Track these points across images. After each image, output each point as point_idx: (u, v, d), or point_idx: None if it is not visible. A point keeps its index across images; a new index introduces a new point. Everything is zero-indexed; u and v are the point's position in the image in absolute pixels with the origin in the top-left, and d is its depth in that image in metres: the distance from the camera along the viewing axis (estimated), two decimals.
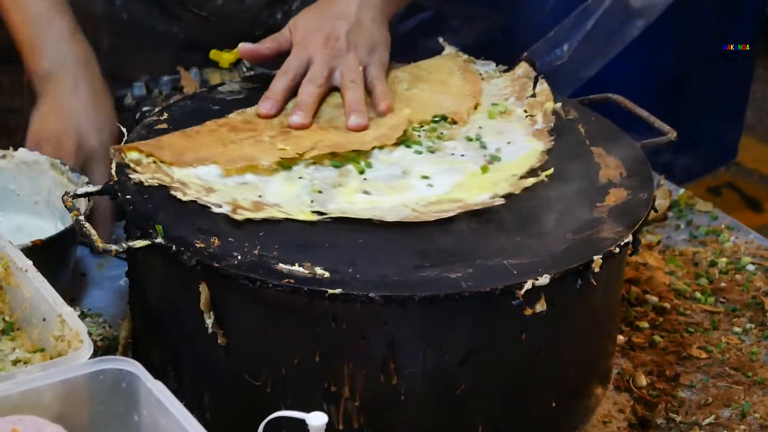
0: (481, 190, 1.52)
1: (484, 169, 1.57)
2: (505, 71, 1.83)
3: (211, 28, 2.06)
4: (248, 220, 1.43)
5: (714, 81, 3.04)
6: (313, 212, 1.46)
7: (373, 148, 1.60)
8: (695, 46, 2.92)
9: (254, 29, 2.04)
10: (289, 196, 1.50)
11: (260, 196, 1.49)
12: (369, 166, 1.57)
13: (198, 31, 2.06)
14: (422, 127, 1.67)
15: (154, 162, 1.54)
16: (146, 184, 1.49)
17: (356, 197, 1.50)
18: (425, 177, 1.55)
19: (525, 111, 1.73)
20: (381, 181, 1.54)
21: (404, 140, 1.63)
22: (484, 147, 1.64)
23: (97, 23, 2.04)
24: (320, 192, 1.51)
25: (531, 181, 1.55)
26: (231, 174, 1.53)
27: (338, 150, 1.57)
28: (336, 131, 1.63)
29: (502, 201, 1.50)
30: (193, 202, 1.46)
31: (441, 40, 1.90)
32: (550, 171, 1.57)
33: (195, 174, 1.53)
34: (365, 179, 1.55)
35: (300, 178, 1.54)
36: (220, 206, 1.45)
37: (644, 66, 2.80)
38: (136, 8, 2.04)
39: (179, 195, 1.47)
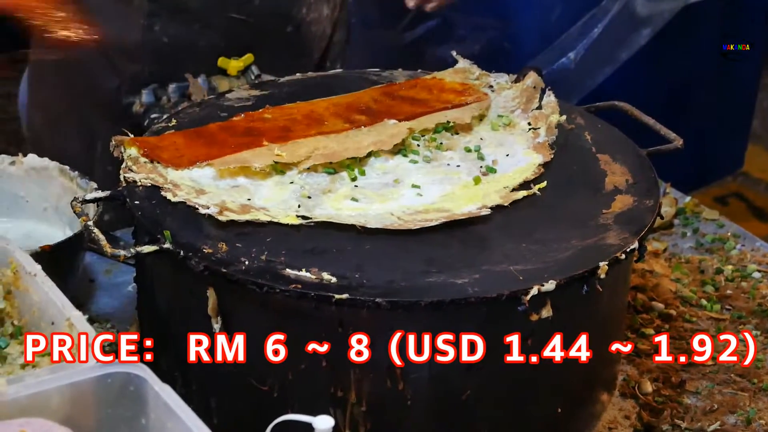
0: (470, 201, 1.52)
1: (477, 181, 1.57)
2: (516, 81, 1.82)
3: (248, 30, 2.07)
4: (247, 222, 1.44)
5: (720, 90, 3.04)
6: (298, 216, 1.47)
7: (369, 155, 1.60)
8: (701, 54, 2.93)
9: (286, 26, 2.09)
10: (277, 200, 1.51)
11: (249, 200, 1.50)
12: (362, 173, 1.58)
13: (236, 36, 2.07)
14: (423, 136, 1.67)
15: (151, 162, 1.55)
16: (139, 184, 1.51)
17: (344, 203, 1.51)
18: (416, 186, 1.55)
19: (529, 124, 1.72)
20: (371, 188, 1.55)
21: (402, 149, 1.63)
22: (481, 158, 1.63)
23: (134, 55, 2.05)
24: (309, 197, 1.51)
25: (522, 193, 1.54)
26: (224, 176, 1.54)
27: (333, 159, 1.58)
28: (336, 136, 1.63)
29: (488, 212, 1.49)
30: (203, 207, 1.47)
31: (454, 53, 1.89)
32: (543, 184, 1.57)
33: (189, 176, 1.54)
34: (356, 186, 1.55)
35: (291, 183, 1.55)
36: (208, 207, 1.46)
37: (651, 74, 2.81)
38: (177, 30, 2.04)
39: (169, 196, 1.48)
